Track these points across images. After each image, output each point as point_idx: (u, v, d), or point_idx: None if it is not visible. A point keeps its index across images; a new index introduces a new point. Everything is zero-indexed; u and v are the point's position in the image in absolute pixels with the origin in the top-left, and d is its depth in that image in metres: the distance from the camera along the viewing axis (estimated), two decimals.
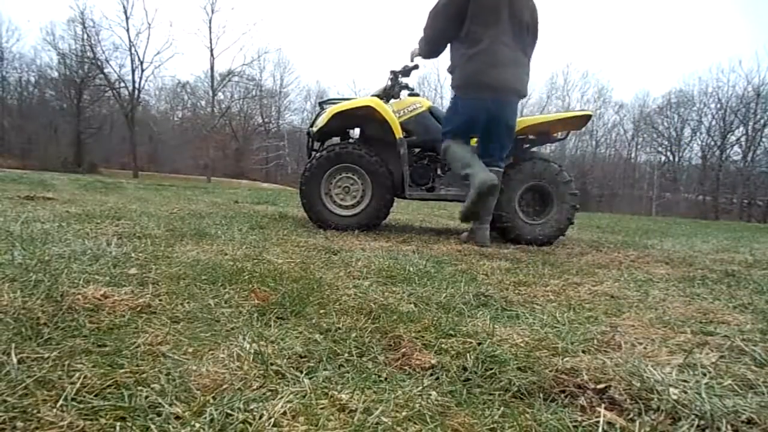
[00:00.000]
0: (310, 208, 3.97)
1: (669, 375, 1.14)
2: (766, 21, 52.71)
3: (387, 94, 4.16)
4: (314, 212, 3.96)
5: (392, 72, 4.16)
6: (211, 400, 0.93)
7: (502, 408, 1.00)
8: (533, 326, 1.55)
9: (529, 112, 37.56)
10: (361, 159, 3.91)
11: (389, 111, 3.97)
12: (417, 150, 4.20)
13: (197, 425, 0.84)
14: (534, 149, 4.31)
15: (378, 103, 3.93)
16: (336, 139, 4.48)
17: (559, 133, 4.19)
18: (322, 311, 1.56)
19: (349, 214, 3.98)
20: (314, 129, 4.20)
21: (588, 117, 4.16)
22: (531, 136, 4.11)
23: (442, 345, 1.32)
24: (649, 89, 47.97)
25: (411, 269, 2.35)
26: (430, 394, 1.03)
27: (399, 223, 5.08)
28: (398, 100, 4.20)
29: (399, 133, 3.94)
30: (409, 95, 4.25)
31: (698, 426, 0.94)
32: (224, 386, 0.99)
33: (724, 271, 2.87)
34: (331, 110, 3.97)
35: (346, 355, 1.22)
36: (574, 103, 37.95)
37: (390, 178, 3.94)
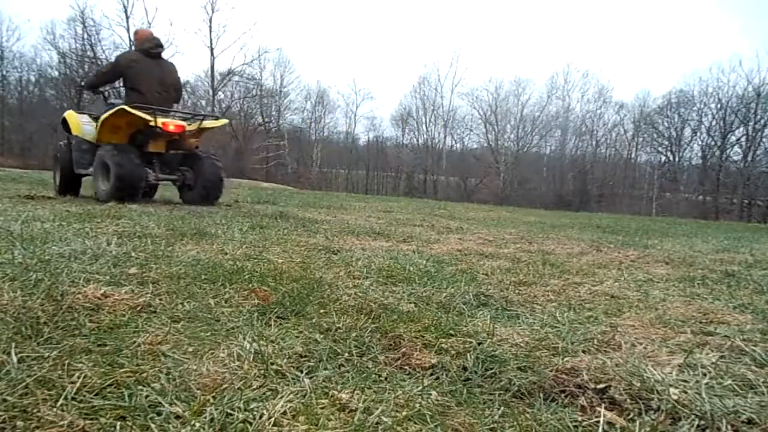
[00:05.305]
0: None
1: (669, 375, 1.14)
2: (766, 21, 52.69)
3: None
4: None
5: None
6: (212, 400, 0.93)
7: (502, 408, 1.00)
8: (533, 326, 1.56)
9: (529, 112, 37.52)
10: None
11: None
12: None
13: (197, 425, 0.84)
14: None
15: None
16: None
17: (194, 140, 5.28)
18: (322, 311, 1.56)
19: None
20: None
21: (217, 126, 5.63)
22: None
23: (442, 345, 1.32)
24: (650, 89, 47.69)
25: (411, 269, 2.35)
26: (430, 394, 1.03)
27: (398, 223, 5.09)
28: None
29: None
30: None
31: (698, 426, 0.94)
32: (224, 386, 0.99)
33: (724, 271, 2.86)
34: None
35: (347, 354, 1.22)
36: (574, 103, 37.88)
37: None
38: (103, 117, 5.07)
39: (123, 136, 5.11)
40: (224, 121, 5.82)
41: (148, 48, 5.24)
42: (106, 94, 5.62)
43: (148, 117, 4.84)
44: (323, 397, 0.98)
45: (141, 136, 5.09)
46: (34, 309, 1.31)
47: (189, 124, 5.18)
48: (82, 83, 6.06)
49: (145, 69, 5.17)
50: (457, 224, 5.49)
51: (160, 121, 4.89)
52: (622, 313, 1.78)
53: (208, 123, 5.41)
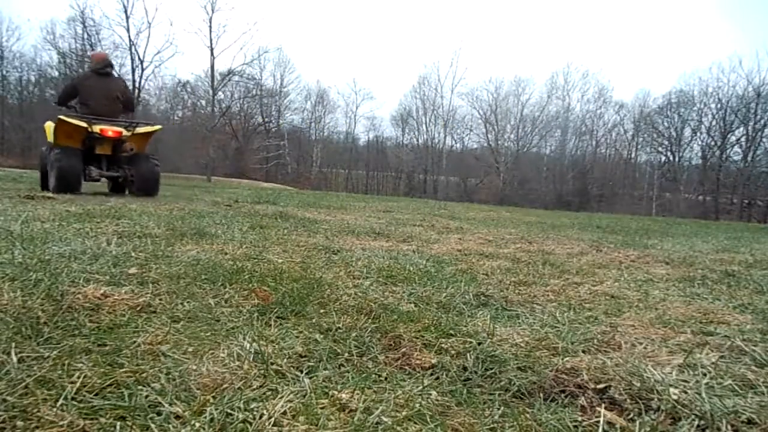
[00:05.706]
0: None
1: (669, 375, 1.14)
2: (766, 21, 52.69)
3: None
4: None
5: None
6: (212, 400, 0.93)
7: (502, 408, 1.00)
8: (533, 326, 1.55)
9: (529, 112, 37.51)
10: None
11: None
12: None
13: (197, 425, 0.84)
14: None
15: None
16: None
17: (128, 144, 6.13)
18: (322, 311, 1.56)
19: None
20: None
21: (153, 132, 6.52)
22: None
23: (442, 345, 1.32)
24: (650, 89, 47.62)
25: (411, 269, 2.35)
26: (430, 394, 1.03)
27: (398, 223, 5.08)
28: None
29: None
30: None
31: (698, 426, 0.94)
32: (224, 386, 0.99)
33: (724, 271, 2.86)
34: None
35: (347, 354, 1.22)
36: (574, 103, 37.84)
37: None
38: (53, 126, 6.10)
39: (77, 141, 6.08)
40: (158, 126, 6.82)
41: (97, 69, 6.49)
42: (78, 107, 6.46)
43: (83, 124, 5.86)
44: (323, 397, 0.98)
45: (88, 140, 6.10)
46: (34, 309, 1.31)
47: (127, 130, 6.23)
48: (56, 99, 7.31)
49: (93, 86, 6.35)
50: (457, 224, 5.49)
51: (97, 128, 5.95)
52: (622, 313, 1.78)
53: (140, 129, 6.40)
